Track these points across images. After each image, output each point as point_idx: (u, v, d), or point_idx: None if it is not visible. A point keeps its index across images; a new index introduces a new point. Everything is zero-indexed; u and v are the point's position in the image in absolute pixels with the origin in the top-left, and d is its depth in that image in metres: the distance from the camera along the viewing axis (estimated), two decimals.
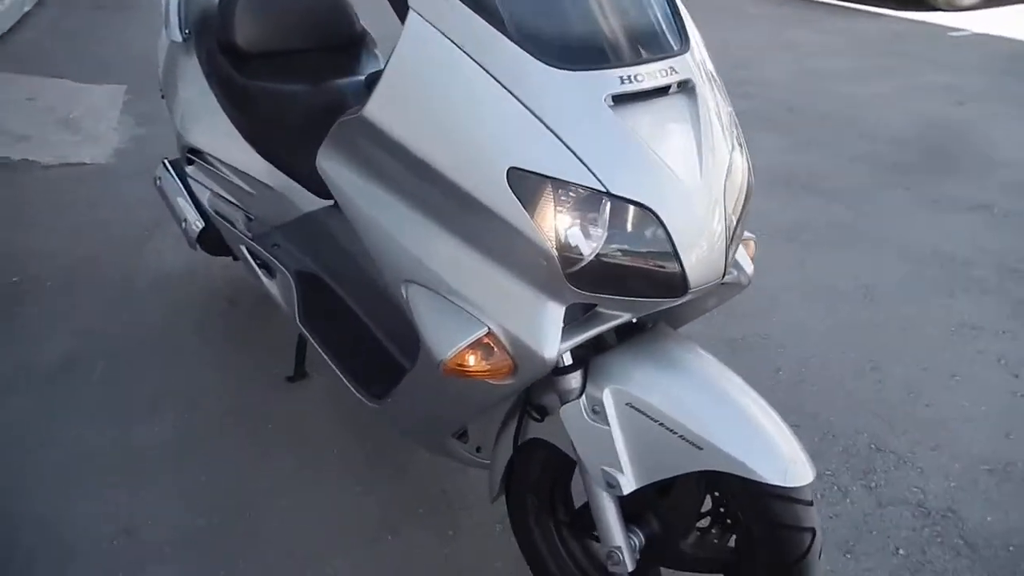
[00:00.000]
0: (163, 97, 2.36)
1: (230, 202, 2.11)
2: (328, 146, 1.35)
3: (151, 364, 2.32)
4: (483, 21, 1.10)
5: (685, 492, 1.35)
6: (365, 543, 1.76)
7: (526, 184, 1.08)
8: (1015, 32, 6.27)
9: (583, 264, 1.09)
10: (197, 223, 2.26)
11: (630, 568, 1.33)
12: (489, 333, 1.18)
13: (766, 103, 4.65)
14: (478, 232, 1.16)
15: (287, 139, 1.91)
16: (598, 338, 1.30)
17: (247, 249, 2.09)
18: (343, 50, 2.16)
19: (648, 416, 1.25)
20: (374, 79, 1.25)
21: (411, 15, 1.13)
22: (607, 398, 1.26)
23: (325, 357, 1.78)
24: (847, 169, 3.77)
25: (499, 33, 1.10)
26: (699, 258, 1.12)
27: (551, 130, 1.08)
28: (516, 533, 1.57)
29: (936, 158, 3.91)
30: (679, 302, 1.17)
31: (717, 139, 1.18)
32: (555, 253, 1.09)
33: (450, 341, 1.19)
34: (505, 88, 1.09)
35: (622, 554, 1.32)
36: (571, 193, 1.08)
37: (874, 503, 1.85)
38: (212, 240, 2.29)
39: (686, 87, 1.18)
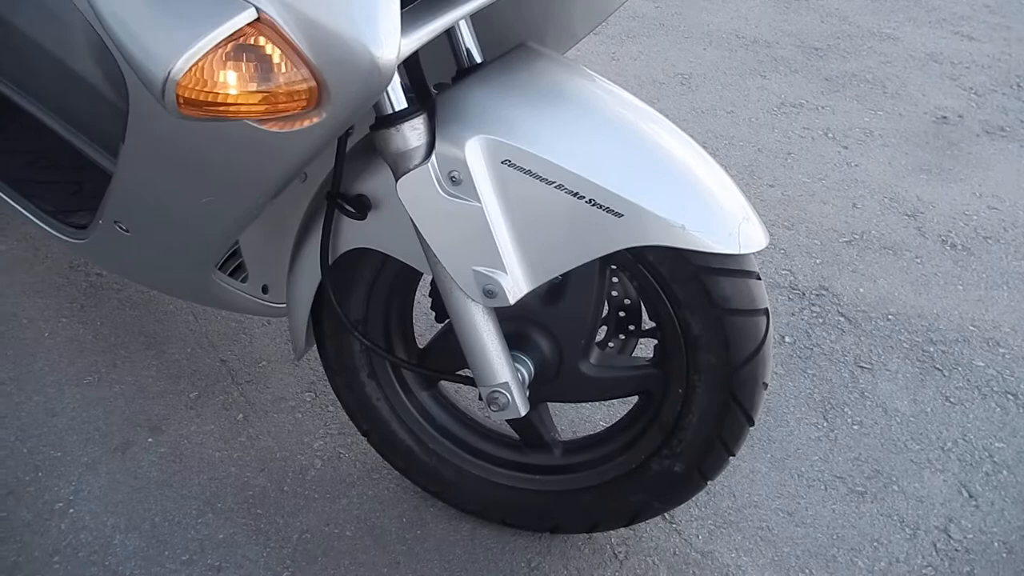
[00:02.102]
0: None
1: None
2: None
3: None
4: None
5: (580, 290, 0.95)
6: (112, 452, 1.20)
7: None
8: None
9: None
10: None
11: (522, 411, 0.92)
12: (259, 19, 0.63)
13: None
14: None
15: None
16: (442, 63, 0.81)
17: None
18: None
19: (536, 176, 0.81)
20: None
21: None
22: (472, 155, 0.80)
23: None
24: None
25: None
26: None
27: None
28: (339, 395, 1.10)
29: None
30: None
31: None
32: None
33: (179, 39, 0.63)
34: None
35: (510, 393, 0.91)
36: None
37: None
38: None
39: None
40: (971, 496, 1.23)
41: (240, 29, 0.63)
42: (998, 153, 2.22)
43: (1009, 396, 1.40)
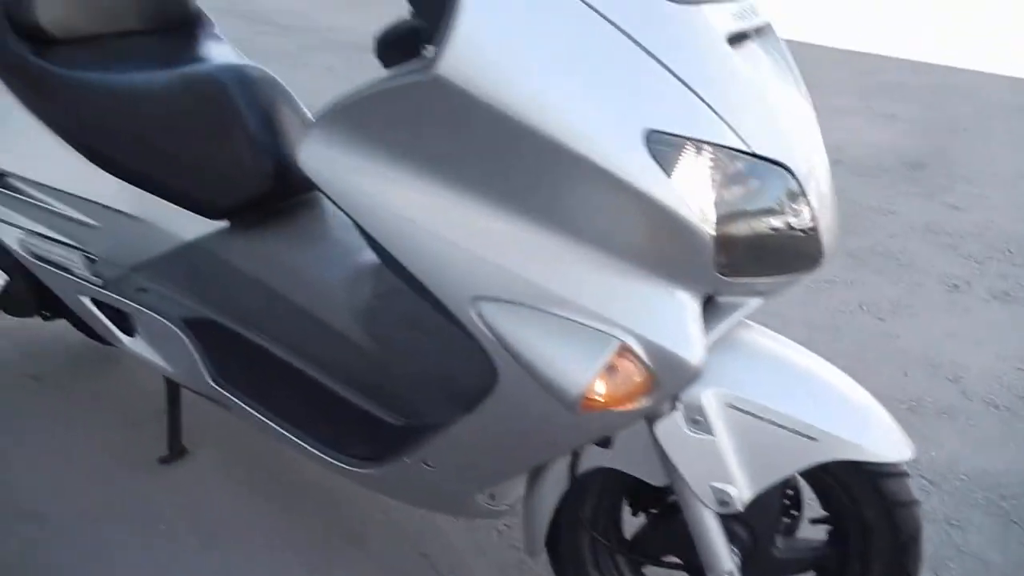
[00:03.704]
0: None
1: (59, 241, 1.57)
2: (324, 136, 1.01)
3: None
4: None
5: (768, 492, 1.22)
6: None
7: (665, 148, 0.87)
8: None
9: (728, 236, 0.91)
10: None
11: None
12: (622, 346, 0.94)
13: None
14: (592, 216, 0.91)
15: (147, 147, 1.46)
16: None
17: (92, 300, 1.58)
18: (175, 31, 1.71)
19: (754, 415, 1.09)
20: (399, 35, 0.96)
21: None
22: (707, 403, 1.08)
23: (259, 422, 1.38)
24: None
25: None
26: (827, 221, 0.99)
27: (681, 80, 0.88)
28: None
29: None
30: (810, 275, 1.03)
31: (802, 86, 1.06)
32: (702, 228, 0.89)
33: (581, 368, 0.93)
34: (619, 29, 0.87)
35: None
36: (710, 155, 0.88)
37: None
38: (19, 297, 1.71)
39: (763, 31, 1.04)
40: None
41: (612, 355, 0.94)
42: (1009, 317, 2.59)
43: None
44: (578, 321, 0.94)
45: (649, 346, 0.93)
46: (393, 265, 1.04)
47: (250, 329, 1.46)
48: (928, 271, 2.88)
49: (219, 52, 1.66)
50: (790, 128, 0.96)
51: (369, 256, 1.46)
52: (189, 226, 1.47)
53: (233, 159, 1.41)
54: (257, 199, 1.43)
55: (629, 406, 0.97)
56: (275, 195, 1.44)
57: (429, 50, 0.98)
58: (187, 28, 1.71)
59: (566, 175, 0.89)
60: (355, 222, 1.05)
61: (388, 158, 0.98)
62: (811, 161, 0.97)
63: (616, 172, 0.86)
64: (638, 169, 0.86)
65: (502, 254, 0.94)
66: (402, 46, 0.97)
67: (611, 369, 0.94)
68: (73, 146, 1.51)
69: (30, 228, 1.59)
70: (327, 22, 6.22)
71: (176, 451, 1.77)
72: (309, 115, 1.50)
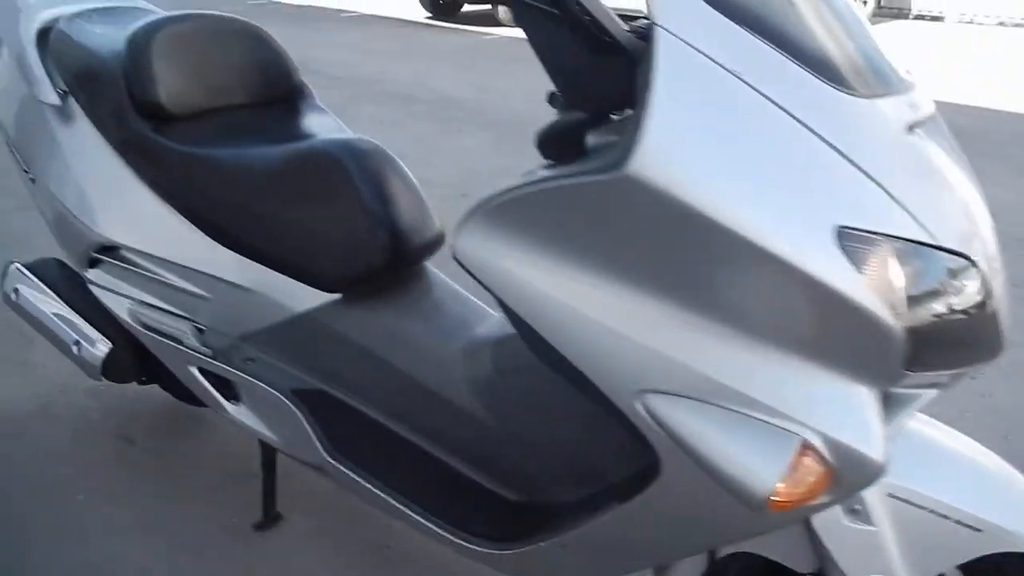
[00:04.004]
0: (32, 180, 1.74)
1: (169, 312, 1.58)
2: (484, 226, 1.01)
3: (39, 547, 1.66)
4: (756, 39, 0.87)
5: None
6: None
7: (856, 244, 0.85)
8: None
9: (917, 330, 0.88)
10: (102, 345, 1.68)
11: None
12: (804, 444, 0.91)
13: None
14: (771, 310, 0.89)
15: (261, 221, 1.47)
16: None
17: (199, 369, 1.58)
18: (283, 103, 1.74)
19: (916, 505, 1.06)
20: (560, 132, 0.96)
21: (661, 35, 0.85)
22: (867, 492, 1.04)
23: (372, 496, 1.35)
24: None
25: (779, 53, 0.87)
26: (1005, 310, 0.96)
27: (867, 174, 0.87)
28: None
29: None
30: (990, 364, 1.00)
31: (971, 170, 1.04)
32: (893, 323, 0.87)
33: (765, 467, 0.90)
34: (802, 123, 0.86)
35: None
36: (899, 249, 0.87)
37: None
38: (123, 364, 1.72)
39: (933, 119, 1.03)
40: None
41: (795, 453, 0.91)
42: None
43: None
44: (756, 417, 0.91)
45: (831, 443, 0.90)
46: (545, 351, 1.03)
47: (364, 401, 1.45)
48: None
49: (325, 124, 1.68)
50: (970, 216, 0.95)
51: (484, 329, 1.45)
52: (301, 297, 1.47)
53: (348, 232, 1.41)
54: (372, 271, 1.43)
55: (809, 503, 0.93)
56: (389, 267, 1.44)
57: (590, 139, 0.98)
58: (292, 100, 1.74)
59: (748, 270, 0.87)
60: (508, 308, 1.03)
61: (555, 250, 0.97)
62: (988, 248, 0.95)
63: (805, 268, 0.85)
64: (828, 265, 0.85)
65: (673, 346, 0.92)
66: (565, 142, 0.98)
67: (792, 467, 0.91)
68: (188, 219, 1.52)
69: (140, 299, 1.60)
70: (374, 72, 6.33)
71: (271, 517, 1.75)
72: (416, 184, 1.51)
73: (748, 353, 0.91)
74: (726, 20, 0.87)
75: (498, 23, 8.95)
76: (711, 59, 0.86)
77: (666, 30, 0.85)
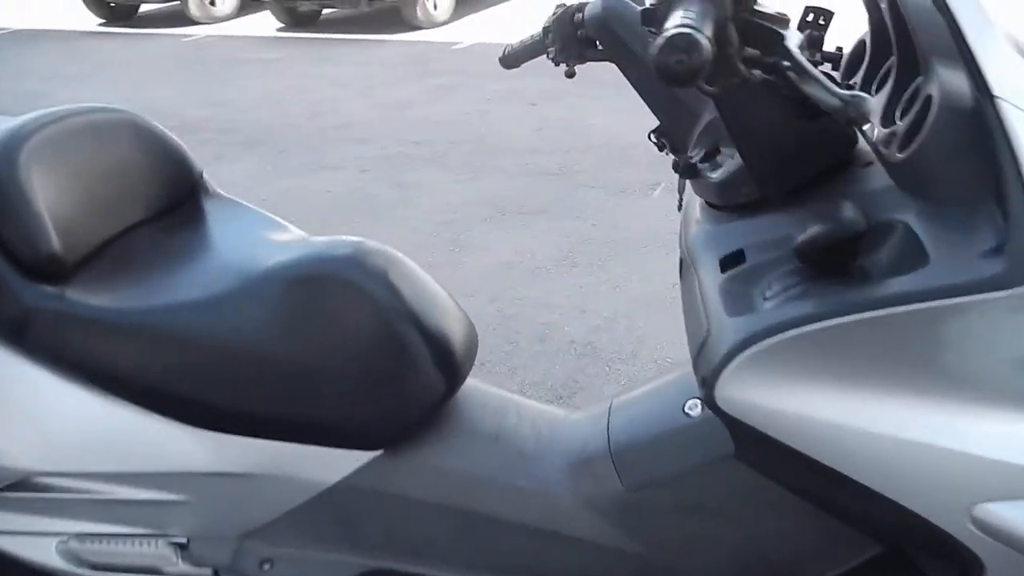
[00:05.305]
0: None
1: (125, 535, 1.12)
2: (751, 371, 0.81)
3: None
4: None
5: None
6: None
7: None
8: (498, 36, 6.98)
9: None
10: None
11: None
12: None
13: (382, 146, 4.42)
14: None
15: (254, 381, 1.08)
16: None
17: None
18: (181, 207, 1.30)
19: None
20: (821, 245, 0.80)
21: (1008, 111, 0.71)
22: None
23: None
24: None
25: None
26: None
27: None
28: None
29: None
30: None
31: None
32: None
33: None
34: None
35: None
36: None
37: None
38: None
39: None
40: None
41: None
42: None
43: None
44: None
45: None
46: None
47: (454, 567, 1.14)
48: None
49: (256, 222, 1.28)
50: None
51: (567, 437, 1.21)
52: (329, 465, 1.11)
53: (389, 371, 1.09)
54: (430, 410, 1.12)
55: None
56: (446, 399, 1.14)
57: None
58: (192, 199, 1.30)
59: None
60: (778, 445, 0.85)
61: (849, 383, 0.81)
62: None
63: None
64: None
65: (1001, 449, 0.80)
66: (828, 255, 0.84)
67: None
68: (138, 404, 1.07)
69: (75, 531, 1.11)
70: (402, 131, 4.69)
71: None
72: (440, 286, 1.21)
73: None
74: None
75: (191, 21, 7.97)
76: None
77: (1014, 105, 0.70)
